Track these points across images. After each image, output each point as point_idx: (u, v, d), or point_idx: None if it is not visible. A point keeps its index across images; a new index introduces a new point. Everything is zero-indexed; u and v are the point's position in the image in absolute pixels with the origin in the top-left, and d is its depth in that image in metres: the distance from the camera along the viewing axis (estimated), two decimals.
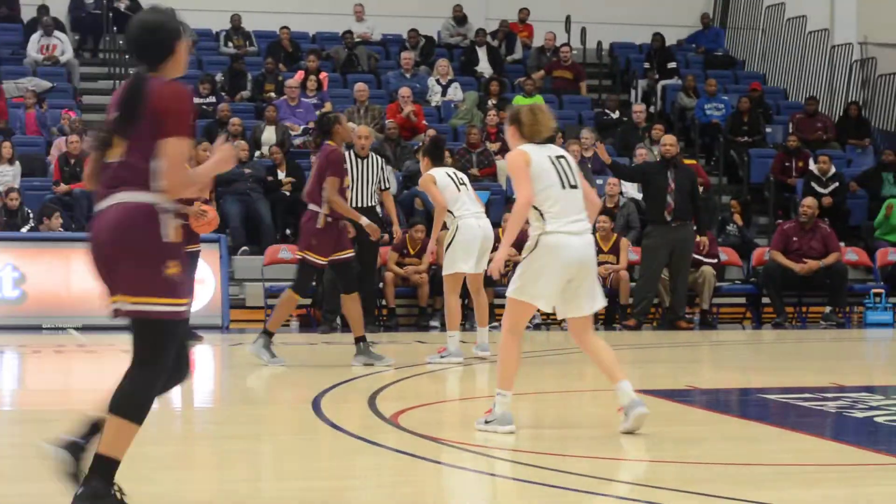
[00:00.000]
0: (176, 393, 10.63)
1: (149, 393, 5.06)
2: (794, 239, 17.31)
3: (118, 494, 4.98)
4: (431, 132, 19.49)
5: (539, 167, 7.36)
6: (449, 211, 11.88)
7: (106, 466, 4.95)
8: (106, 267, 5.03)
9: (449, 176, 12.05)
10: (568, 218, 7.34)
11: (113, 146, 5.03)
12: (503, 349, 7.46)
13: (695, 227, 16.16)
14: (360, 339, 11.45)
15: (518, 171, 7.36)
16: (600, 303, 7.55)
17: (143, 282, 4.96)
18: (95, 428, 5.07)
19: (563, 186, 7.38)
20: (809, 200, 17.69)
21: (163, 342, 5.04)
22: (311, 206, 11.30)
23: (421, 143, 18.89)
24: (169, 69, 5.09)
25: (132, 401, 5.01)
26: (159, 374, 5.06)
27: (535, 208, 7.34)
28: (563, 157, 7.54)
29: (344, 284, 11.54)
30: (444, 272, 11.94)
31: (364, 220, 12.15)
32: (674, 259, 16.08)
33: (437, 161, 12.15)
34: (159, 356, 5.05)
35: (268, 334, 11.50)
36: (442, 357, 11.79)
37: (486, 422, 7.47)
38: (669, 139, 16.43)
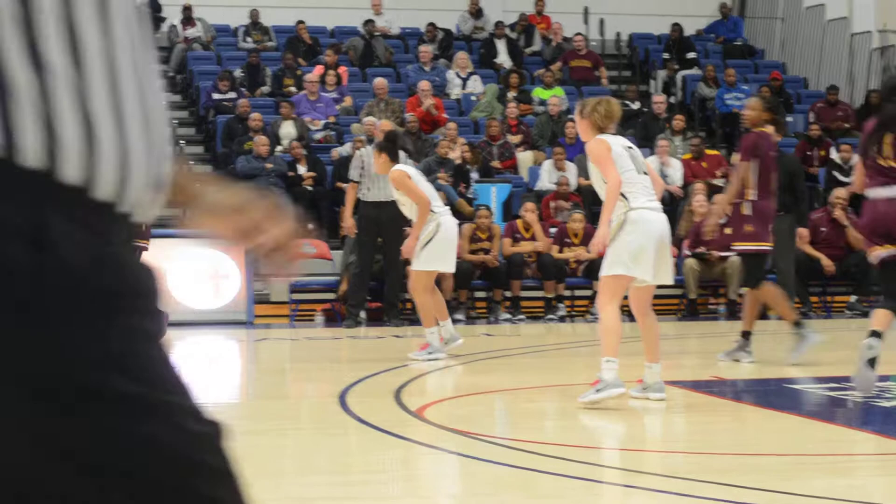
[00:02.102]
0: (199, 388, 10.71)
1: None
2: (823, 230, 17.23)
3: None
4: (452, 126, 19.53)
5: (617, 154, 8.07)
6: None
7: None
8: None
9: (419, 172, 11.70)
10: (646, 197, 8.10)
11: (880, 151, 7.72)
12: (605, 321, 8.02)
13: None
14: (746, 334, 11.03)
15: (602, 157, 8.02)
16: (670, 278, 8.25)
17: None
18: (876, 333, 7.38)
19: (638, 172, 8.14)
20: (842, 192, 17.46)
21: None
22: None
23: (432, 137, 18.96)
24: None
25: None
26: None
27: None
28: (631, 147, 8.28)
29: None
30: (420, 268, 11.13)
31: None
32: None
33: (394, 157, 11.28)
34: None
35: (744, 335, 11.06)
36: (430, 354, 11.25)
37: (598, 391, 7.97)
38: None
